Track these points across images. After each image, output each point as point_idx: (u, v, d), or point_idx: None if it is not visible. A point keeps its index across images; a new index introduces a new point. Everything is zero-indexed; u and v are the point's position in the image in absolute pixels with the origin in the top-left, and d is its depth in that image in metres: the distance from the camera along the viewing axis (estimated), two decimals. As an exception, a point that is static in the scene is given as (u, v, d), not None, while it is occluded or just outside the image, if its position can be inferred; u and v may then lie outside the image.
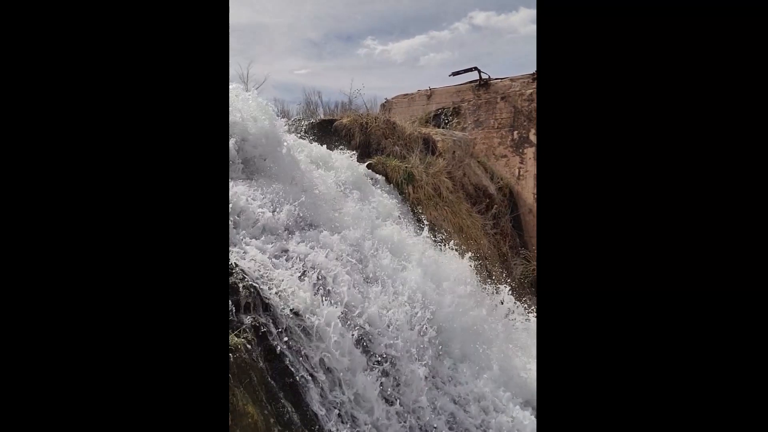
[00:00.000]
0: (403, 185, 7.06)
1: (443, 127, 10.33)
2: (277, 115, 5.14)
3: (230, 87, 5.05)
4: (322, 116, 10.77)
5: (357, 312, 3.53)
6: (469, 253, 5.87)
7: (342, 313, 3.40)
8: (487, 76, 10.71)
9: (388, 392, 3.33)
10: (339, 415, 2.99)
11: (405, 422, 3.16)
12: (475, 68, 10.76)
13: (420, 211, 6.69)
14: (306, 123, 8.01)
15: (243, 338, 2.81)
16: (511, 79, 10.52)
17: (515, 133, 10.22)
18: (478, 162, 9.68)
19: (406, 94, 11.80)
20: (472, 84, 10.82)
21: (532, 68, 10.45)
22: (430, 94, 11.39)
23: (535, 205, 9.77)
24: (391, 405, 3.23)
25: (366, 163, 6.96)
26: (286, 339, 3.02)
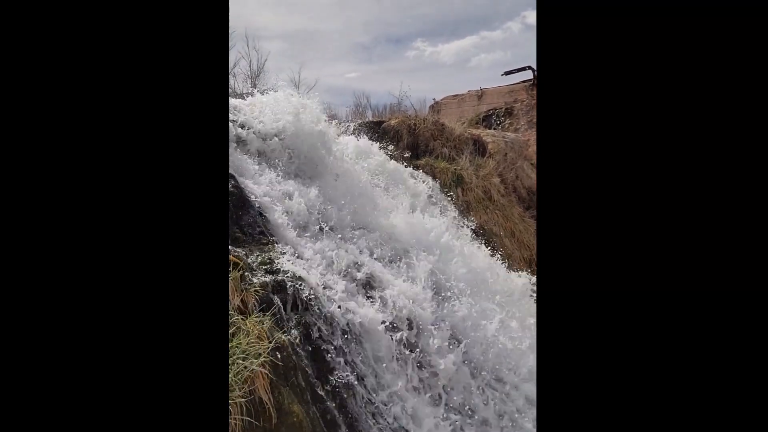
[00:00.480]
0: (451, 187, 6.92)
1: (494, 129, 10.07)
2: (326, 118, 5.18)
3: (282, 91, 5.16)
4: (371, 118, 10.80)
5: (405, 317, 3.45)
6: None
7: (390, 318, 3.34)
8: (541, 76, 10.35)
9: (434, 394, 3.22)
10: (383, 418, 2.92)
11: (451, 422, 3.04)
12: (529, 67, 10.42)
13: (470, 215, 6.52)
14: (354, 125, 8.06)
15: (289, 337, 2.81)
16: (567, 78, 10.11)
17: (571, 134, 9.81)
18: (532, 164, 9.35)
19: (456, 95, 11.61)
20: (526, 83, 10.48)
21: None
22: (480, 95, 11.14)
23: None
24: (436, 406, 3.13)
25: (412, 165, 6.87)
26: (332, 340, 2.99)
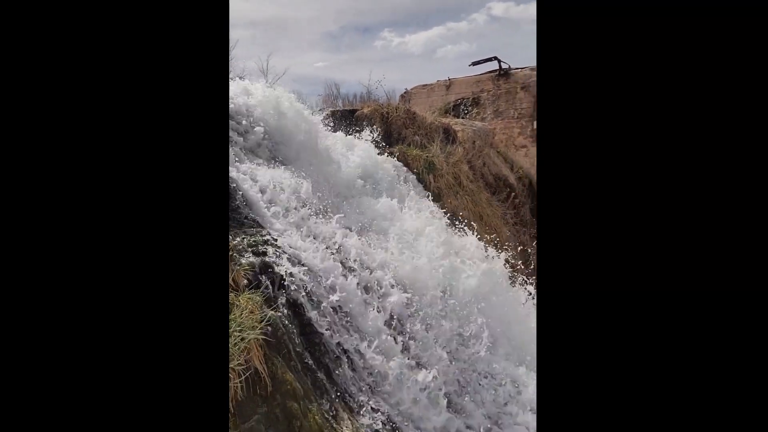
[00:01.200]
0: (424, 174, 7.17)
1: (463, 117, 10.37)
2: (308, 110, 5.31)
3: (246, 81, 5.22)
4: (341, 107, 10.89)
5: (383, 294, 3.69)
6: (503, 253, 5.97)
7: (367, 293, 3.56)
8: (507, 66, 10.69)
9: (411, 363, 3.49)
10: (369, 387, 3.16)
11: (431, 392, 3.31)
12: (495, 58, 10.74)
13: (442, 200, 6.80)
14: (326, 112, 8.16)
15: (280, 313, 2.99)
16: (532, 69, 10.48)
17: (535, 123, 10.21)
18: (498, 152, 9.72)
19: (425, 85, 11.84)
20: (492, 74, 10.82)
21: None
22: (449, 85, 11.42)
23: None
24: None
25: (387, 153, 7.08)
26: (318, 315, 3.19)
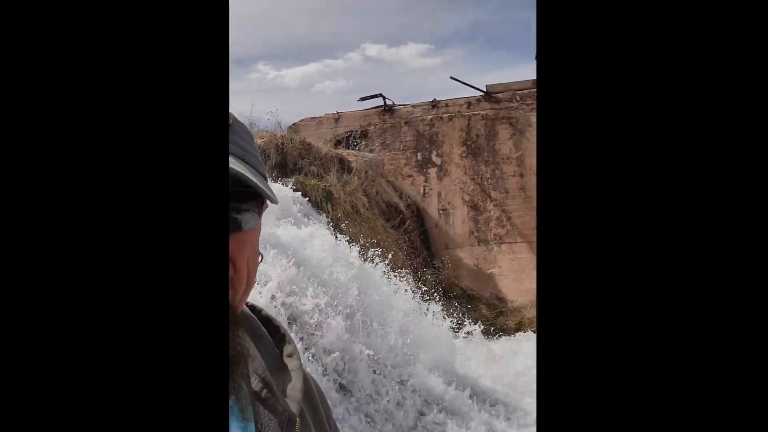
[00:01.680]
0: (323, 203, 7.35)
1: (352, 149, 10.84)
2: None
3: None
4: (231, 137, 10.59)
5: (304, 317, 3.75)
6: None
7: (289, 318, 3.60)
8: (391, 102, 11.51)
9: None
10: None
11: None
12: (380, 95, 11.51)
13: (343, 228, 7.02)
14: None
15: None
16: (413, 106, 11.44)
17: (419, 154, 11.09)
18: (387, 181, 10.32)
19: (314, 117, 12.16)
20: (378, 109, 11.55)
21: (423, 98, 11.47)
22: (338, 118, 11.88)
23: (440, 220, 10.64)
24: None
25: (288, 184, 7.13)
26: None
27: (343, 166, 8.61)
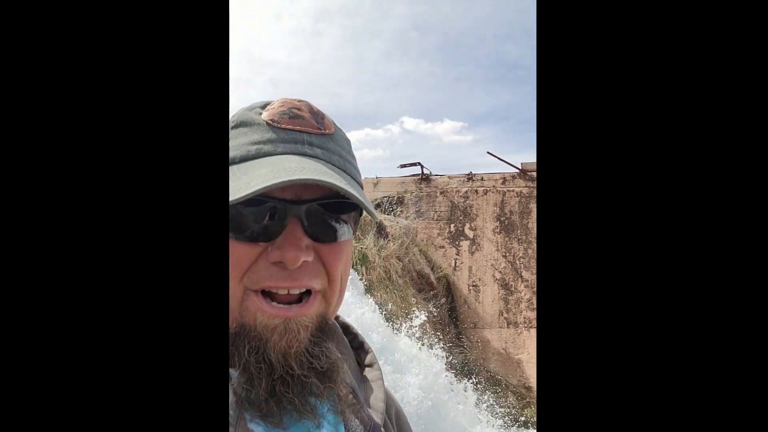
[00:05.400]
0: (356, 265, 7.15)
1: (388, 214, 10.79)
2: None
3: None
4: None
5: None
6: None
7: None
8: (428, 172, 11.60)
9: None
10: None
11: None
12: (419, 163, 11.63)
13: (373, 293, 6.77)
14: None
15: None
16: (449, 177, 11.48)
17: (452, 225, 10.94)
18: (420, 250, 10.12)
19: (352, 179, 12.31)
20: (415, 177, 11.62)
21: (457, 171, 11.54)
22: (376, 182, 11.97)
23: (469, 296, 10.24)
24: None
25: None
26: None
27: (380, 230, 8.49)
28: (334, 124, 0.63)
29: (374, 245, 7.61)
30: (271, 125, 0.58)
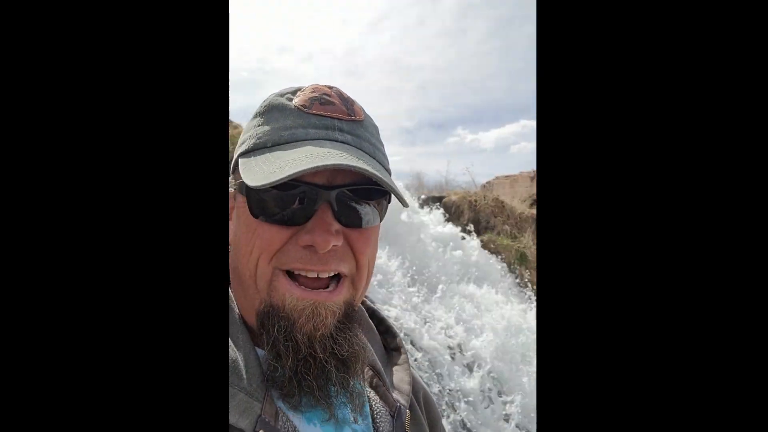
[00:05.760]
0: (515, 264, 6.97)
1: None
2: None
3: None
4: (426, 195, 11.17)
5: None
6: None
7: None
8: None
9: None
10: None
11: None
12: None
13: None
14: (417, 198, 8.36)
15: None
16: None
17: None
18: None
19: (509, 176, 11.98)
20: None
21: None
22: (533, 176, 11.46)
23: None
24: None
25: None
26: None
27: (539, 227, 8.12)
28: (364, 110, 0.63)
29: (533, 243, 7.32)
30: (302, 110, 0.58)
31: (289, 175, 0.49)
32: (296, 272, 0.56)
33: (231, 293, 0.62)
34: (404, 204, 0.57)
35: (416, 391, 0.72)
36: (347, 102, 0.61)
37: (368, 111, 0.65)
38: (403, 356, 0.71)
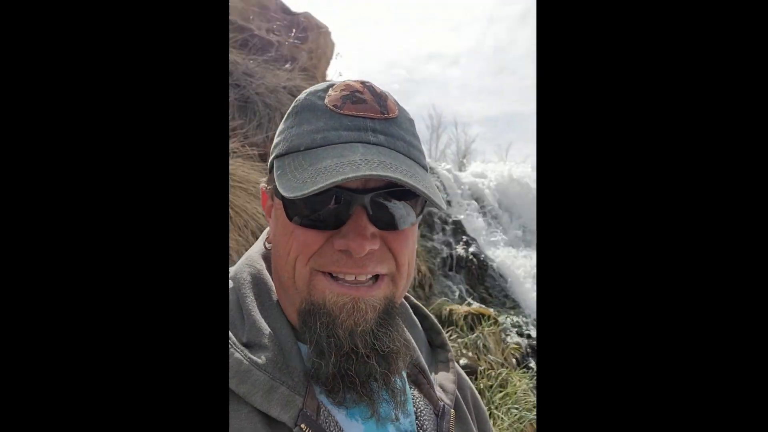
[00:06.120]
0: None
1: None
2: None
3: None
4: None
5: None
6: None
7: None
8: None
9: None
10: None
11: None
12: None
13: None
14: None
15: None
16: None
17: None
18: None
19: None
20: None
21: None
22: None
23: None
24: None
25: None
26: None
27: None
28: (398, 104, 0.62)
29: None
30: (334, 111, 0.58)
31: (320, 187, 0.50)
32: (334, 274, 0.57)
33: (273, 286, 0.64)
34: (440, 209, 0.57)
35: (462, 389, 0.71)
36: (380, 98, 0.60)
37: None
38: (447, 353, 0.71)
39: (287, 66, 4.31)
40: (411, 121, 0.64)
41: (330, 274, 0.57)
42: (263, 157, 3.53)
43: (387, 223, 0.57)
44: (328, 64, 5.61)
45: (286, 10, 5.04)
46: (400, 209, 0.58)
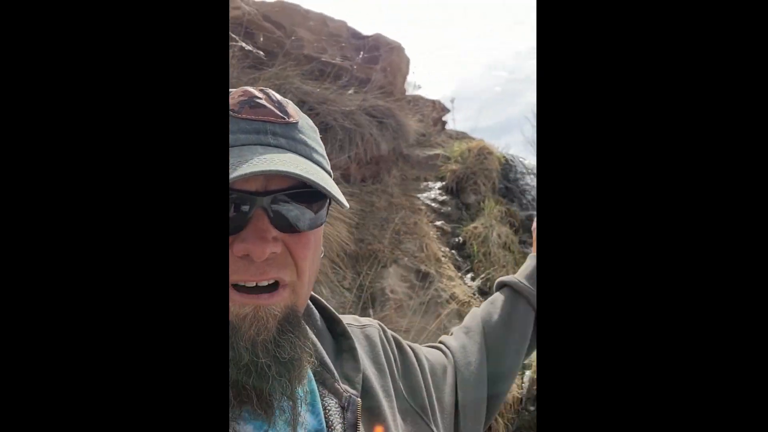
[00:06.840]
0: None
1: None
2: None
3: None
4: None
5: None
6: None
7: None
8: None
9: None
10: None
11: None
12: None
13: None
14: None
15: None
16: None
17: None
18: None
19: None
20: None
21: None
22: None
23: None
24: None
25: None
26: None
27: None
28: (299, 112, 0.61)
29: None
30: (231, 115, 0.56)
31: None
32: (237, 284, 0.55)
33: None
34: (342, 206, 0.57)
35: (375, 356, 0.71)
36: (280, 104, 0.59)
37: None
38: (348, 341, 0.70)
39: (362, 88, 4.46)
40: (314, 129, 0.64)
41: (233, 285, 0.55)
42: (346, 178, 3.67)
43: (288, 226, 0.56)
44: (404, 79, 5.69)
45: (356, 35, 5.22)
46: (303, 212, 0.57)
